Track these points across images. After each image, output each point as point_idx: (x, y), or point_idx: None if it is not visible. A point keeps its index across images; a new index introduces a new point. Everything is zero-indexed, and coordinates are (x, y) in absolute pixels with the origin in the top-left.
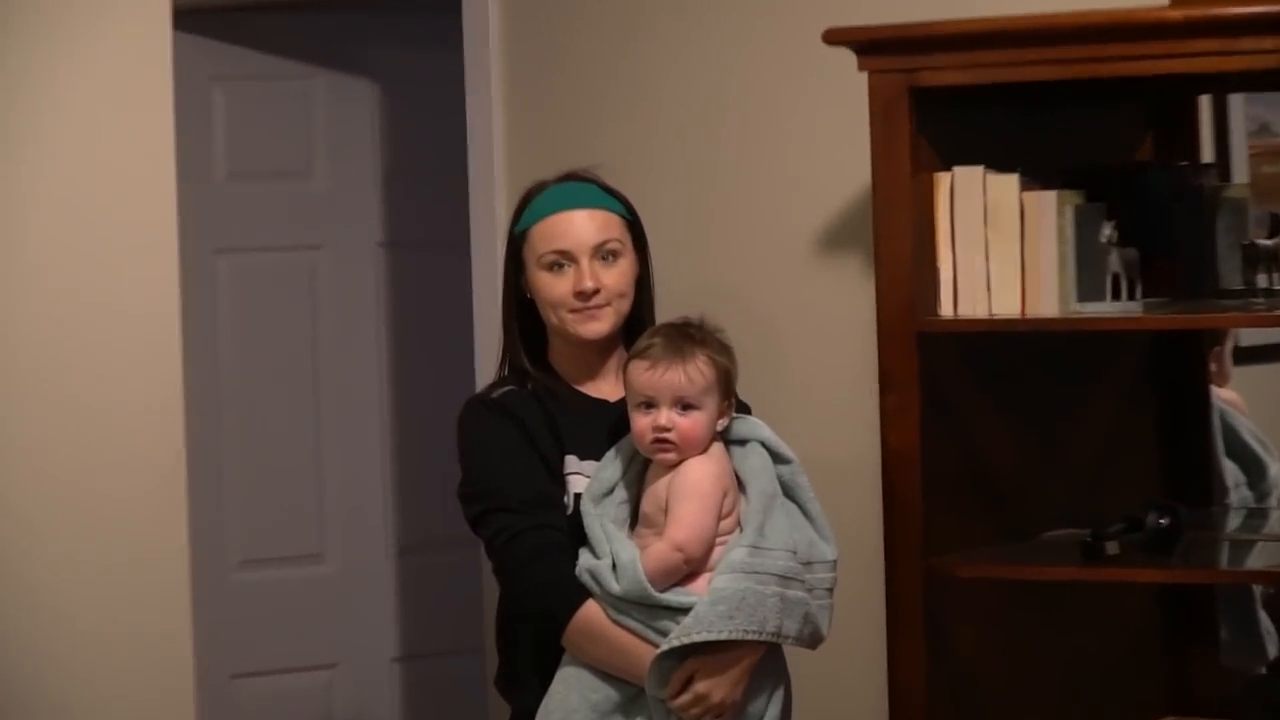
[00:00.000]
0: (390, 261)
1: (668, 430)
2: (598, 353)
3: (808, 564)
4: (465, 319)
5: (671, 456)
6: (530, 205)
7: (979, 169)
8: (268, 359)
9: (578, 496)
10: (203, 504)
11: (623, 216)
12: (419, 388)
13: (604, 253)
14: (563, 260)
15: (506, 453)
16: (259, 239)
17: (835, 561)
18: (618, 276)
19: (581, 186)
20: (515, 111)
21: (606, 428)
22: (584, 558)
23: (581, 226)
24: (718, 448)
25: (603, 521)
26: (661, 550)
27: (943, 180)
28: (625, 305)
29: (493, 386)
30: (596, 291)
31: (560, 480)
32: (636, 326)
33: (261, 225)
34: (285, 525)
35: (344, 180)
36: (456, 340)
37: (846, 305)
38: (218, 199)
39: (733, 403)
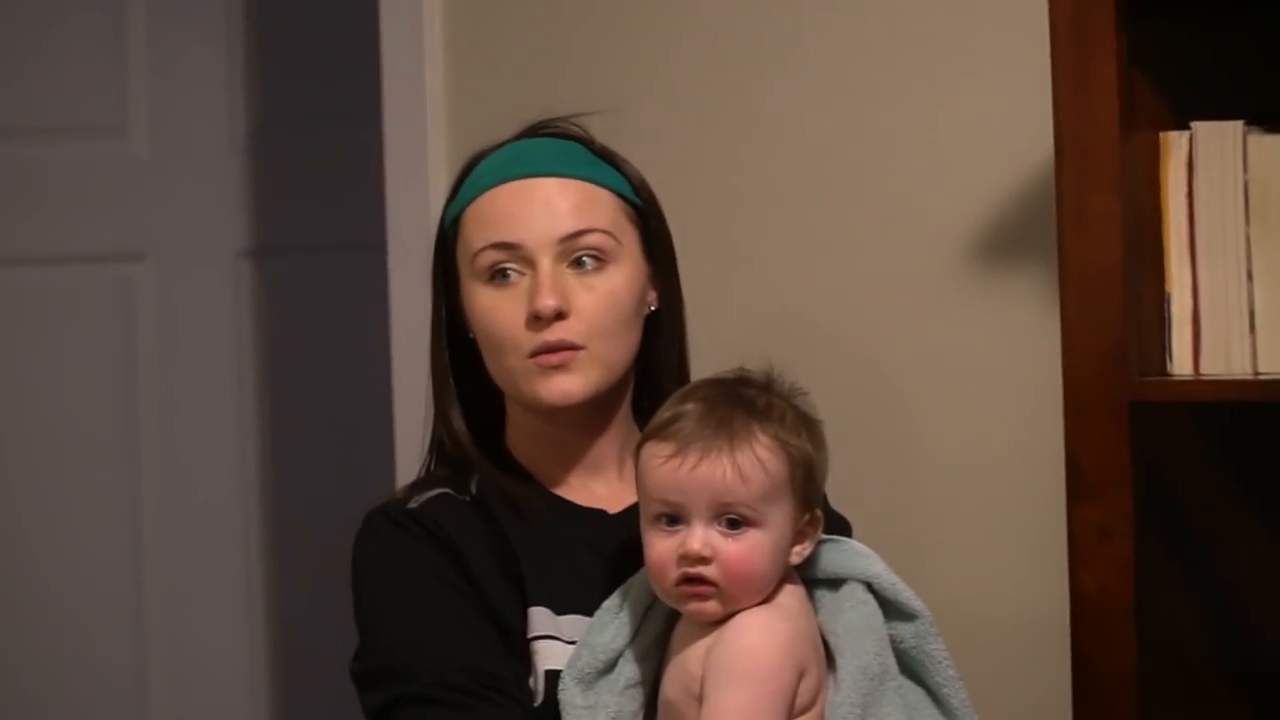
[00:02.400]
0: (258, 278)
1: (705, 562)
2: (581, 430)
3: None
4: (380, 371)
5: (711, 607)
6: (469, 177)
7: (1237, 125)
8: (53, 443)
9: (552, 676)
10: None
11: (621, 196)
12: (304, 492)
13: (580, 254)
14: (508, 263)
15: (430, 603)
16: (32, 244)
17: None
18: (604, 298)
19: (550, 144)
20: (460, 39)
21: (602, 560)
22: None
23: (544, 205)
24: (790, 594)
25: (597, 719)
26: None
27: (1175, 144)
28: (619, 352)
29: (412, 489)
30: (561, 316)
31: (522, 650)
32: (654, 391)
33: (36, 220)
34: None
35: (179, 145)
36: (367, 406)
37: (1016, 355)
38: None
39: (819, 516)
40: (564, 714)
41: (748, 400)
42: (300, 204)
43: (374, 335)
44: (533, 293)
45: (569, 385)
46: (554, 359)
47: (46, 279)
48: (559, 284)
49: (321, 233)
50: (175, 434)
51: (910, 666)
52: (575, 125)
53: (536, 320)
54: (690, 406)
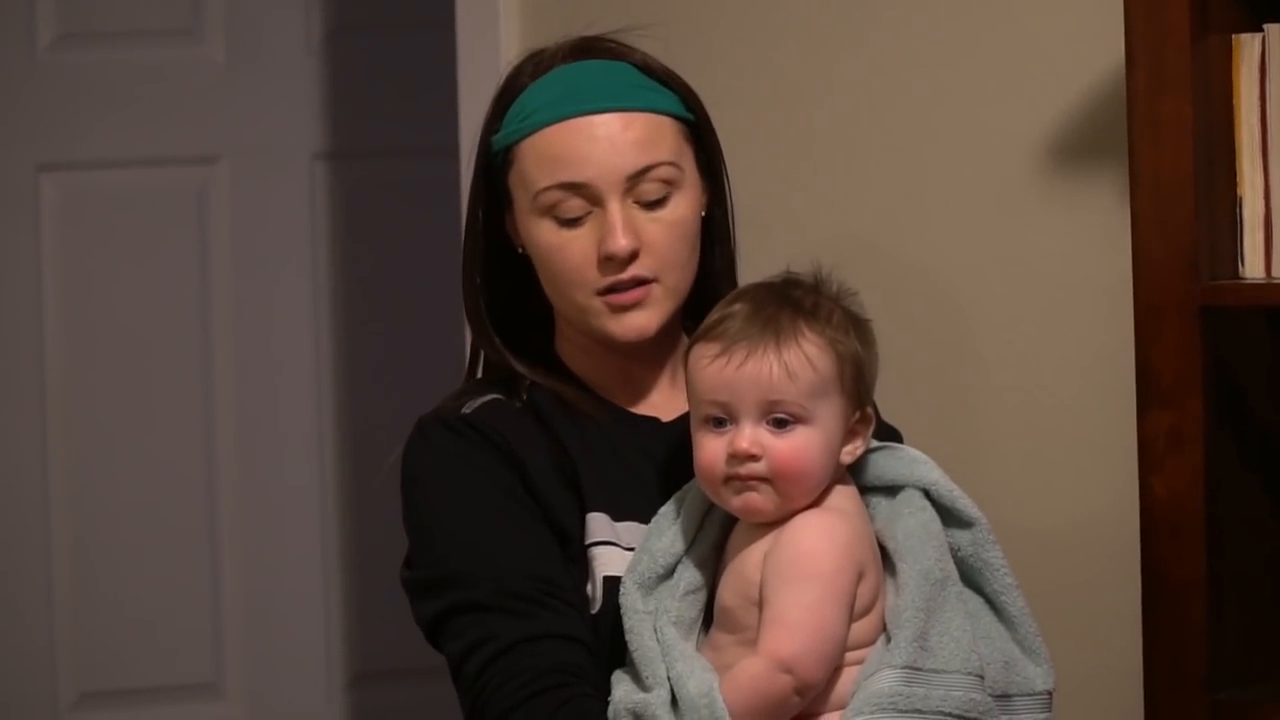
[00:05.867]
0: (333, 181)
1: (754, 459)
2: (639, 359)
3: (1004, 697)
4: (452, 275)
5: (763, 504)
6: (520, 100)
7: None
8: (127, 346)
9: (611, 582)
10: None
11: (679, 118)
12: (377, 396)
13: (649, 190)
14: (574, 201)
15: (488, 509)
16: (109, 148)
17: (1050, 694)
18: (672, 229)
19: (606, 68)
20: None
21: (658, 466)
22: (621, 690)
23: (608, 143)
24: (844, 495)
25: (657, 625)
26: (756, 672)
27: (1248, 46)
28: (688, 277)
29: (463, 395)
30: (635, 256)
31: (580, 556)
32: (705, 297)
33: (115, 123)
34: (157, 637)
35: (255, 49)
36: (439, 310)
37: (1085, 262)
38: (40, 76)
39: (870, 416)
40: (625, 618)
41: (795, 300)
42: (375, 108)
43: (447, 239)
44: (604, 233)
45: (643, 322)
46: (627, 298)
47: (122, 182)
48: (631, 224)
49: (395, 137)
50: (249, 337)
51: (967, 574)
52: (620, 41)
53: (609, 260)
54: (737, 307)
